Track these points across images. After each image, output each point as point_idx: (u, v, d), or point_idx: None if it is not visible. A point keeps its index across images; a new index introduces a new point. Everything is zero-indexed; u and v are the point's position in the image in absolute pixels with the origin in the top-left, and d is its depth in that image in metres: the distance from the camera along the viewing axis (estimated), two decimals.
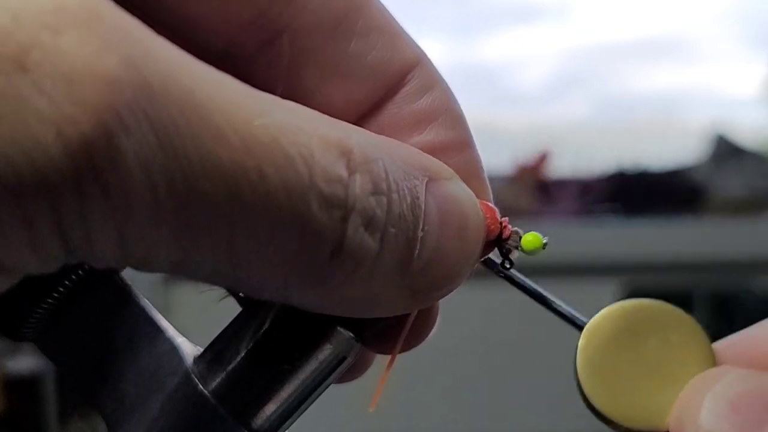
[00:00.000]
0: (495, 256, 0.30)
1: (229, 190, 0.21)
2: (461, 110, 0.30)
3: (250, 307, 0.29)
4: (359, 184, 0.23)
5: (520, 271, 0.30)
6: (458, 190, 0.27)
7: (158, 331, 0.29)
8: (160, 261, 0.22)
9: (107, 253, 0.21)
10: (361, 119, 0.29)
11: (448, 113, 0.29)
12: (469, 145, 0.30)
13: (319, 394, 0.29)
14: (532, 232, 0.29)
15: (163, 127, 0.20)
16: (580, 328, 0.30)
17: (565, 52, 2.91)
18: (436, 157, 0.28)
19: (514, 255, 0.30)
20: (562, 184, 2.54)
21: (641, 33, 2.96)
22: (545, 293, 0.30)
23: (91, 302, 0.28)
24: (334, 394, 0.31)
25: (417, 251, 0.25)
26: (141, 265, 0.22)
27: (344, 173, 0.23)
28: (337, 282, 0.24)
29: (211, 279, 0.24)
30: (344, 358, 0.28)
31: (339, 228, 0.23)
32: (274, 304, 0.28)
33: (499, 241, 0.29)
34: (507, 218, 0.29)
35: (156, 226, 0.21)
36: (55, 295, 0.27)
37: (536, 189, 2.49)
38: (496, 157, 2.50)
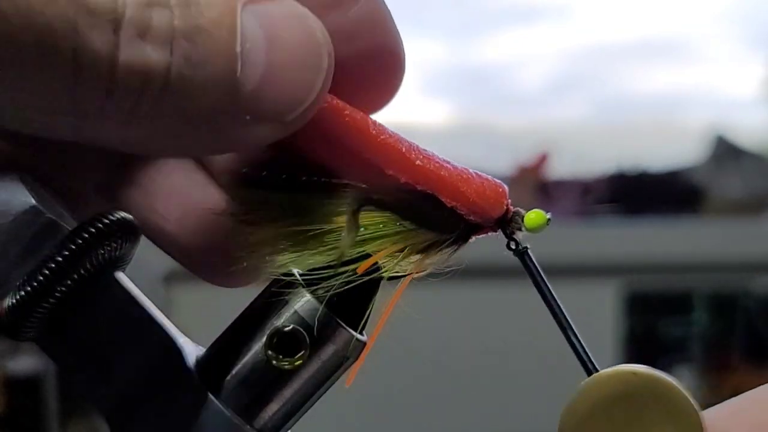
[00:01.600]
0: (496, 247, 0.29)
1: None
2: None
3: (253, 306, 0.29)
4: None
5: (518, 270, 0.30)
6: (286, 8, 0.25)
7: (160, 330, 0.29)
8: None
9: None
10: None
11: None
12: None
13: (322, 394, 0.29)
14: (535, 210, 0.29)
15: None
16: (589, 372, 0.29)
17: (565, 52, 2.91)
18: (339, 7, 0.27)
19: (519, 236, 0.29)
20: (562, 185, 2.54)
21: (641, 33, 2.95)
22: (570, 327, 0.29)
23: (91, 302, 0.28)
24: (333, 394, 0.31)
25: (240, 68, 0.24)
26: None
27: None
28: (132, 106, 0.23)
29: None
30: (347, 358, 0.28)
31: (111, 40, 0.22)
32: (275, 305, 0.28)
33: (502, 222, 0.29)
34: (510, 200, 0.29)
35: None
36: (56, 295, 0.27)
37: (536, 189, 2.49)
38: (496, 157, 2.49)
